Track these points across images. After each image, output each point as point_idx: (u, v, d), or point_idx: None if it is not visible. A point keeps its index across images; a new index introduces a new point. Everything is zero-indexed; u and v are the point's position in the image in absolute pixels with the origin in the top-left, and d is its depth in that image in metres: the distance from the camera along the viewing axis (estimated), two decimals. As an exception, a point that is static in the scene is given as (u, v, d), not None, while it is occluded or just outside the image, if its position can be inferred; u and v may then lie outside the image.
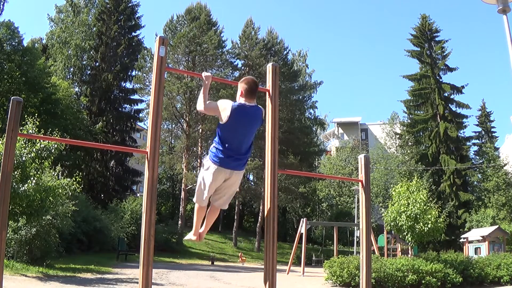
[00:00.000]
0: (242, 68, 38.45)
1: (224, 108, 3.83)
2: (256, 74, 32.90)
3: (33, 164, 12.77)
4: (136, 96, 37.57)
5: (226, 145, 3.83)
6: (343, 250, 32.40)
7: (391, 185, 28.57)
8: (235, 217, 37.23)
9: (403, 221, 15.67)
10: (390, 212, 16.19)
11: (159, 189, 43.16)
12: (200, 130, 36.14)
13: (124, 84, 37.46)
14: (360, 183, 4.33)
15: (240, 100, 3.94)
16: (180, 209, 35.37)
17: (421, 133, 38.95)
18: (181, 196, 35.55)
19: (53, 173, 13.69)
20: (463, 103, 37.97)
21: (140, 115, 38.50)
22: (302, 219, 22.57)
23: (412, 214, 15.53)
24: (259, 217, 36.30)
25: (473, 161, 38.40)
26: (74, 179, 13.97)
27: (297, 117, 40.19)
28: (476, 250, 21.25)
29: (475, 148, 41.01)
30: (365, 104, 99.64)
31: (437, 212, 16.48)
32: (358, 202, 19.02)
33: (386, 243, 25.35)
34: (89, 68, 39.39)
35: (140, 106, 37.81)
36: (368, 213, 4.23)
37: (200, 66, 35.56)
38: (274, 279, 3.75)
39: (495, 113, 74.33)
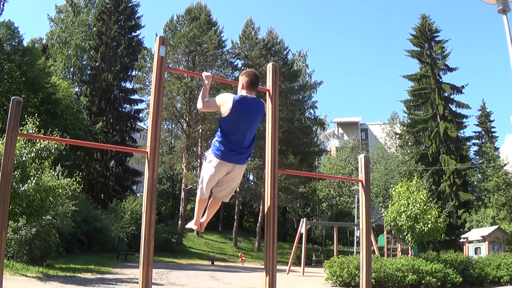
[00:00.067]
0: (242, 68, 38.41)
1: (225, 101, 3.82)
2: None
3: (33, 164, 12.77)
4: (136, 96, 37.66)
5: (229, 138, 3.83)
6: (343, 250, 32.40)
7: (391, 185, 28.56)
8: (235, 217, 37.23)
9: (403, 221, 15.67)
10: (390, 212, 16.19)
11: (159, 189, 43.16)
12: (200, 130, 36.14)
13: (124, 84, 37.54)
14: (360, 183, 4.33)
15: (242, 92, 3.94)
16: (180, 209, 35.36)
17: (421, 133, 38.96)
18: (181, 196, 35.55)
19: (53, 173, 13.69)
20: (463, 103, 38.00)
21: (140, 115, 38.60)
22: (302, 219, 22.57)
23: (412, 214, 15.53)
24: (259, 217, 36.30)
25: (473, 161, 38.40)
26: (74, 179, 13.97)
27: (297, 117, 40.21)
28: (476, 250, 21.25)
29: (475, 148, 41.08)
30: (365, 104, 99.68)
31: (437, 212, 16.48)
32: (358, 202, 19.02)
33: (386, 243, 25.35)
34: (89, 68, 39.40)
35: (140, 106, 37.92)
36: (368, 213, 4.23)
37: (200, 66, 35.57)
38: (274, 279, 3.75)
39: (495, 113, 74.34)
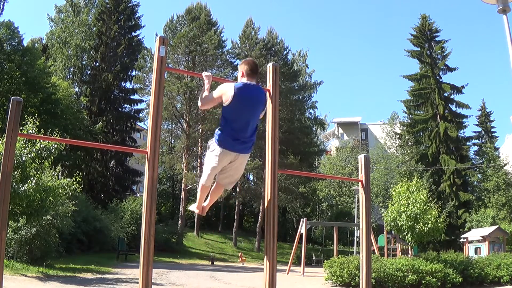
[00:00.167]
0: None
1: (226, 90, 3.83)
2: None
3: (33, 164, 12.77)
4: (136, 96, 37.68)
5: (232, 126, 3.83)
6: (343, 250, 32.40)
7: (391, 185, 28.57)
8: (235, 217, 37.22)
9: (403, 221, 15.67)
10: (390, 212, 16.19)
11: (159, 189, 43.15)
12: (200, 130, 36.14)
13: (124, 84, 37.55)
14: (360, 183, 4.33)
15: (242, 80, 3.96)
16: (180, 209, 35.35)
17: (421, 133, 38.96)
18: (181, 196, 35.55)
19: (53, 173, 13.69)
20: (463, 103, 38.01)
21: (140, 115, 38.62)
22: (302, 219, 22.57)
23: (412, 214, 15.53)
24: (259, 217, 36.29)
25: (473, 161, 38.41)
26: (74, 179, 13.97)
27: (297, 117, 40.20)
28: (476, 250, 21.25)
29: (475, 148, 41.09)
30: (365, 104, 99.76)
31: (437, 212, 16.48)
32: (358, 202, 19.02)
33: (386, 243, 25.35)
34: (89, 68, 39.40)
35: (140, 106, 37.94)
36: (368, 213, 4.23)
37: (200, 66, 35.57)
38: (274, 279, 3.75)
39: (495, 113, 74.41)
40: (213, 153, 3.90)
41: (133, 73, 37.08)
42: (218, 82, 4.36)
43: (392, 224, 16.20)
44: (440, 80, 38.54)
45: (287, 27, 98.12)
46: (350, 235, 33.43)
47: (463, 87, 38.06)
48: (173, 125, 39.77)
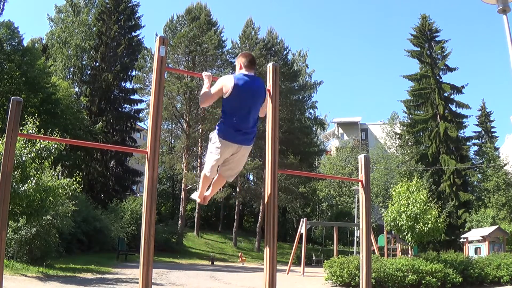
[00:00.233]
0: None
1: (225, 82, 3.84)
2: (256, 74, 32.92)
3: (33, 164, 12.77)
4: (136, 96, 37.68)
5: (234, 118, 3.83)
6: (343, 250, 32.40)
7: (391, 185, 28.57)
8: (235, 217, 37.21)
9: (403, 221, 15.67)
10: (390, 212, 16.19)
11: (159, 189, 43.16)
12: (200, 130, 36.14)
13: (124, 84, 37.55)
14: (360, 183, 4.33)
15: (241, 72, 3.98)
16: (180, 209, 35.36)
17: (421, 133, 38.96)
18: (181, 196, 35.54)
19: (53, 173, 13.69)
20: (463, 103, 38.01)
21: (140, 115, 38.62)
22: (302, 219, 22.56)
23: (412, 214, 15.53)
24: (259, 217, 36.28)
25: (473, 161, 38.41)
26: (74, 179, 13.97)
27: (297, 117, 40.21)
28: (476, 250, 21.25)
29: (475, 148, 41.09)
30: (365, 104, 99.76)
31: (437, 212, 16.48)
32: (358, 202, 19.01)
33: (386, 243, 25.35)
34: (89, 68, 39.40)
35: (140, 106, 37.94)
36: (368, 213, 4.23)
37: (200, 66, 35.57)
38: (274, 279, 3.75)
39: (495, 113, 74.43)
40: (214, 145, 3.90)
41: (133, 73, 37.09)
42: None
43: (392, 224, 16.20)
44: (440, 80, 38.55)
45: (287, 27, 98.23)
46: (350, 235, 33.42)
47: (463, 87, 38.08)
48: (173, 125, 39.78)
